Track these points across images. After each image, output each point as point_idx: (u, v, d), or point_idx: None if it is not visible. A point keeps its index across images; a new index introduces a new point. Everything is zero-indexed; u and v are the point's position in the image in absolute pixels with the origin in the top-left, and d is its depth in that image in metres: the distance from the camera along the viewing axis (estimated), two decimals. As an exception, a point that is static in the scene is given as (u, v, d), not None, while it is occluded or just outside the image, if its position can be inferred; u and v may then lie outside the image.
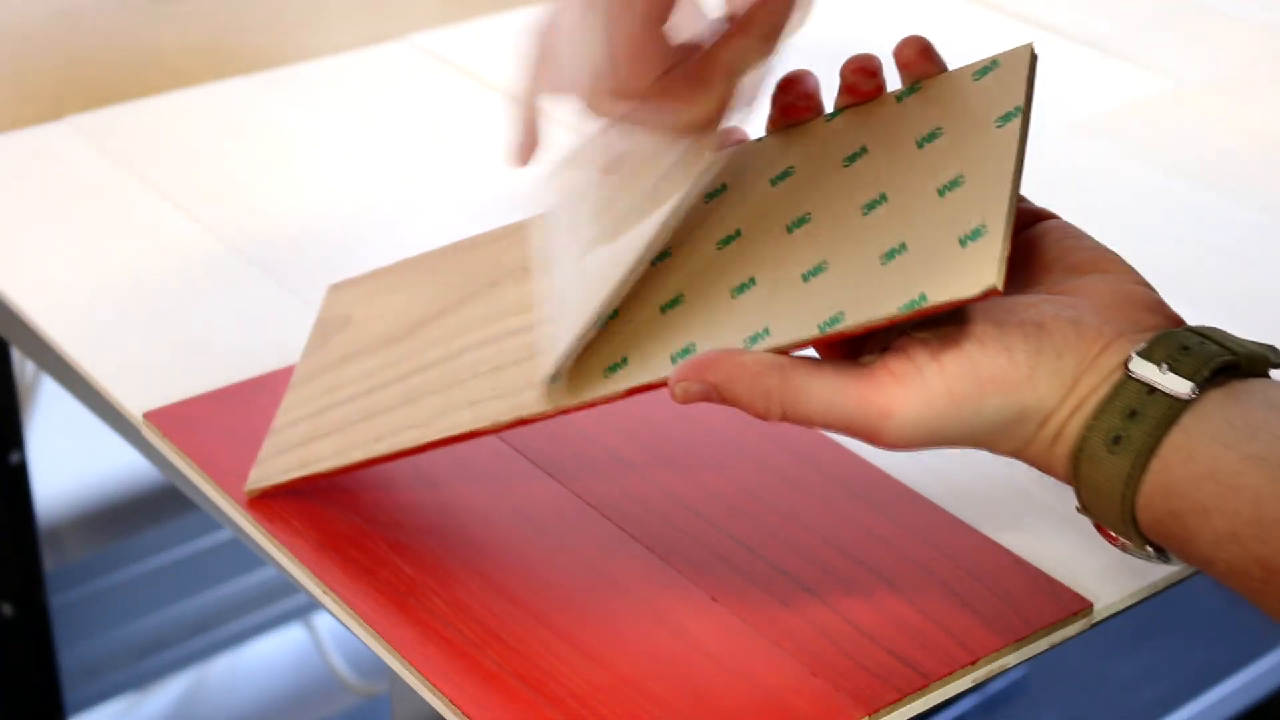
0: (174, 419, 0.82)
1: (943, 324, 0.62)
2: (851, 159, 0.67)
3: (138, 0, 1.15)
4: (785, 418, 0.63)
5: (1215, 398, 0.60)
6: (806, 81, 0.70)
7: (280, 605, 1.45)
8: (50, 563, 1.33)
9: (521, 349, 0.71)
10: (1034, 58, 0.66)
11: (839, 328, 0.62)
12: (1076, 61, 1.21)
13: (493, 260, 0.77)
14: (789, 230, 0.66)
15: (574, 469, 0.79)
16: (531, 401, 0.69)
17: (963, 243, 0.61)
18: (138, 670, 1.40)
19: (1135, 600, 0.74)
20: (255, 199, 1.03)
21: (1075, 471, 0.62)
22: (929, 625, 0.70)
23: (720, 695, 0.67)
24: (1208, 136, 1.12)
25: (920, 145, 0.65)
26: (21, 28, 1.12)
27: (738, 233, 0.67)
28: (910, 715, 0.68)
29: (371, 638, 0.70)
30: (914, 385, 0.61)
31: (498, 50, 1.21)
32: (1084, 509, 0.63)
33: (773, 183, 0.68)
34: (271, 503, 0.76)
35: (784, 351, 0.63)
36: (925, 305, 0.60)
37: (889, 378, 0.61)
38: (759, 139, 0.71)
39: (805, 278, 0.64)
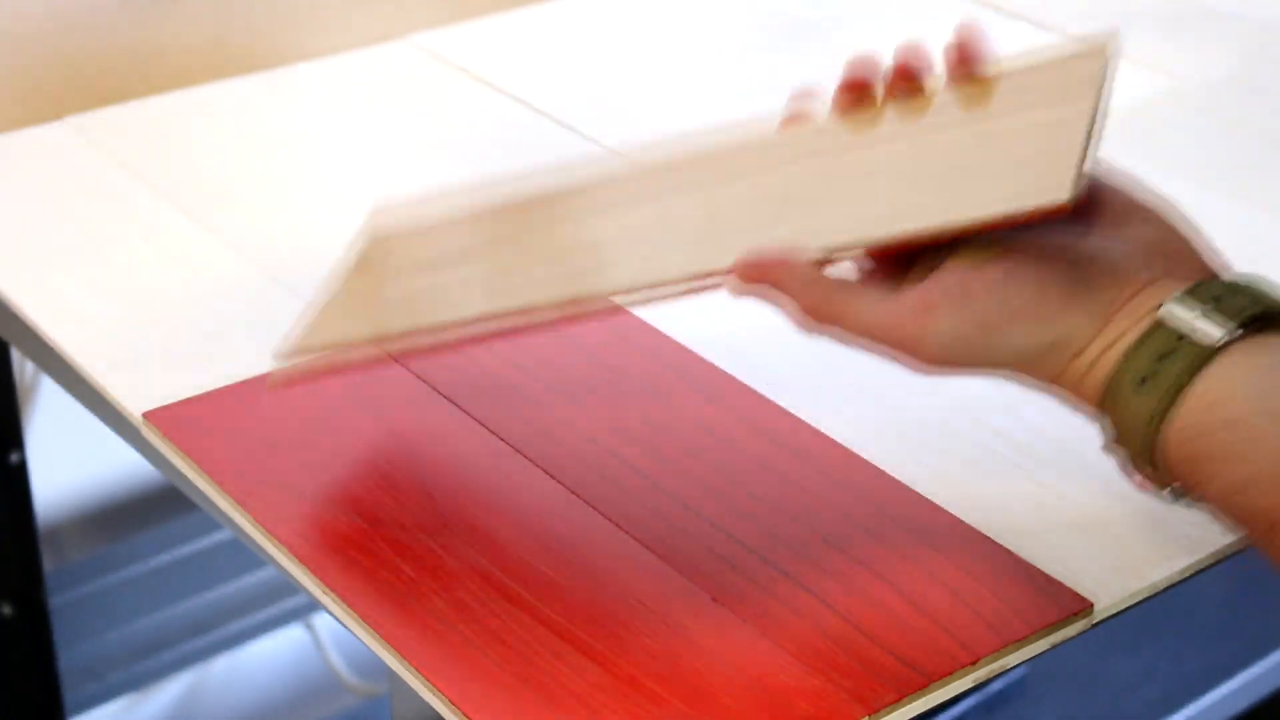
0: (174, 419, 0.82)
1: (981, 254, 0.64)
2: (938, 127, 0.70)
3: (138, 0, 1.15)
4: (822, 330, 0.66)
5: (1243, 348, 0.62)
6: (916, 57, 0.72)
7: (280, 605, 1.45)
8: (50, 563, 1.33)
9: (592, 258, 0.73)
10: (1113, 50, 0.70)
11: (921, 227, 0.65)
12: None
13: (564, 206, 0.77)
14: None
15: (574, 469, 0.79)
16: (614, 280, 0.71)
17: (1042, 169, 0.64)
18: (138, 670, 1.40)
19: (1135, 600, 0.74)
20: (255, 199, 1.03)
21: (1104, 407, 0.64)
22: (929, 625, 0.70)
23: (720, 695, 0.67)
24: (1208, 136, 1.12)
25: (1000, 112, 0.68)
26: (21, 28, 1.12)
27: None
28: (910, 715, 0.68)
29: (371, 638, 0.70)
30: (946, 310, 0.64)
31: (498, 50, 1.21)
32: (1110, 445, 0.65)
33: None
34: (271, 503, 0.76)
35: (854, 252, 0.67)
36: (998, 215, 0.63)
37: (924, 302, 0.64)
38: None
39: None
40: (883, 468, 0.79)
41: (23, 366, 1.24)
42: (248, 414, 0.82)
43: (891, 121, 0.69)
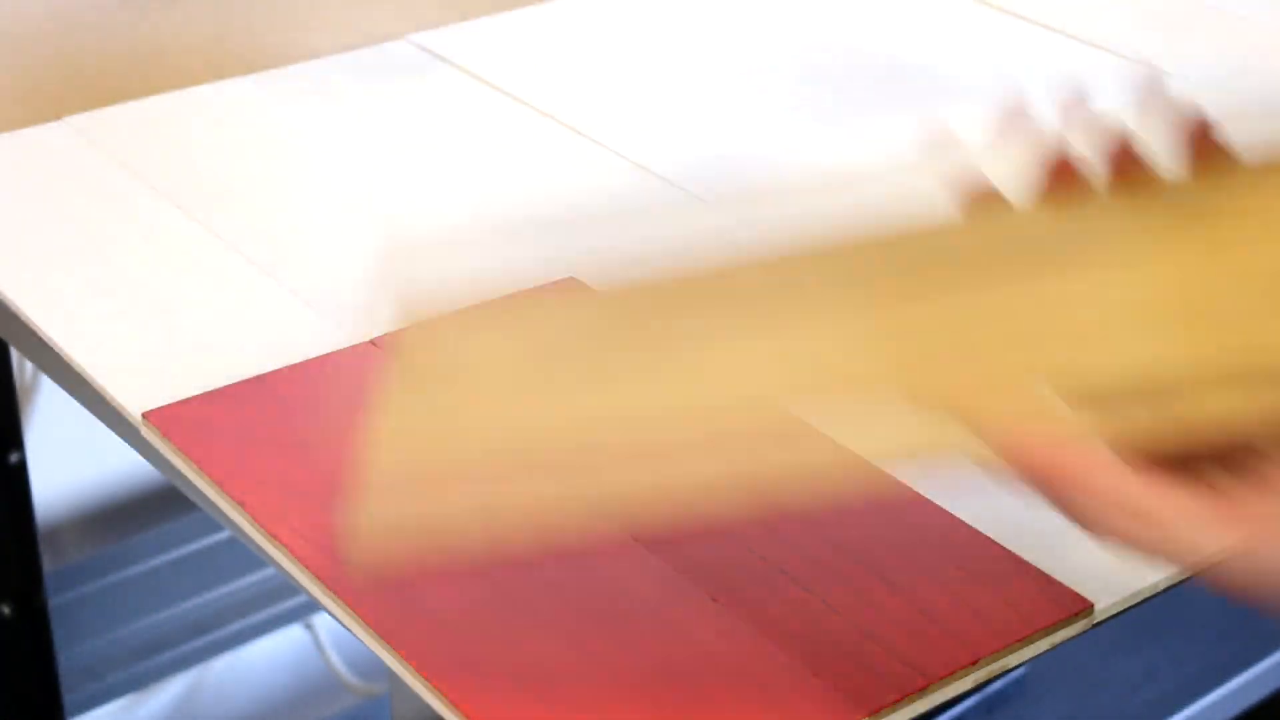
0: (173, 419, 0.82)
1: None
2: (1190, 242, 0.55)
3: (138, 0, 1.15)
4: (1144, 551, 0.50)
5: None
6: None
7: (280, 605, 1.45)
8: (50, 563, 1.33)
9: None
10: None
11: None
12: (1077, 61, 1.21)
13: (660, 318, 0.64)
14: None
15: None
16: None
17: None
18: (137, 671, 1.40)
19: (1135, 600, 0.73)
20: (254, 199, 1.03)
21: None
22: (929, 625, 0.70)
23: (720, 695, 0.67)
24: (1208, 136, 1.12)
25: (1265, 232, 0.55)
26: (21, 28, 1.12)
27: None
28: (910, 715, 0.68)
29: (371, 638, 0.70)
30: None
31: (498, 50, 1.21)
32: None
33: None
34: (271, 503, 0.76)
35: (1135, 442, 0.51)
36: None
37: (1252, 515, 0.49)
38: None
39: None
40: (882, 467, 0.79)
41: (22, 366, 1.24)
42: (247, 414, 0.82)
43: (1117, 216, 0.53)
